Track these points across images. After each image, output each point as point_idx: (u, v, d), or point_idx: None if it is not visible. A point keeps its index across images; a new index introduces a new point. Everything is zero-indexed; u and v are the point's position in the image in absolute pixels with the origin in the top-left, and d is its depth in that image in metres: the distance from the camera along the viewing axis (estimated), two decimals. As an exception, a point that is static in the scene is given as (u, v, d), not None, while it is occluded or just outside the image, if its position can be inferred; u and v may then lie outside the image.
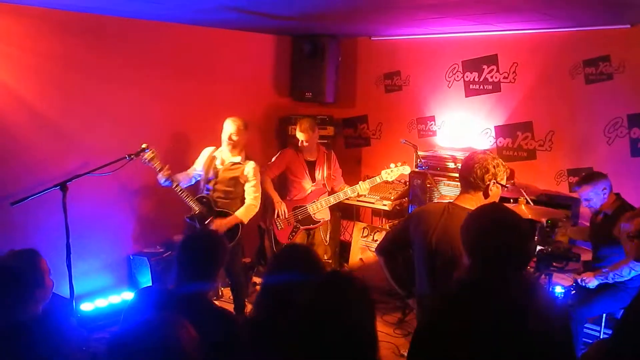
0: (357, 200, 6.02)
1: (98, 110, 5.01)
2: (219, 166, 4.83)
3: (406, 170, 5.16)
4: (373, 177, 5.22)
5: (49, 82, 4.67)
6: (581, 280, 3.99)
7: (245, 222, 4.89)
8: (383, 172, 5.13)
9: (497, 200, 2.82)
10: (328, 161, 5.39)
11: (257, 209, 4.94)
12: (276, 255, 2.68)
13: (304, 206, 5.29)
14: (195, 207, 4.74)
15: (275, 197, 5.25)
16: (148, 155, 4.54)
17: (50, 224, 4.47)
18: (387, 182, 5.37)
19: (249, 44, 6.28)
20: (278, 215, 5.23)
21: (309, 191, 5.32)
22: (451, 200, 2.86)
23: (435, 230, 2.73)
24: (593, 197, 4.15)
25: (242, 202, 4.90)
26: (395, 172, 5.12)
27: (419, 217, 2.90)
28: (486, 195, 2.75)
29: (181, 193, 4.71)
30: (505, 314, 1.91)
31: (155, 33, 5.33)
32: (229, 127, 4.77)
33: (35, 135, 4.62)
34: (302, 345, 1.75)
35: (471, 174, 2.73)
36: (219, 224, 4.73)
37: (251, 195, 4.88)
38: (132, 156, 4.51)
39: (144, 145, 4.60)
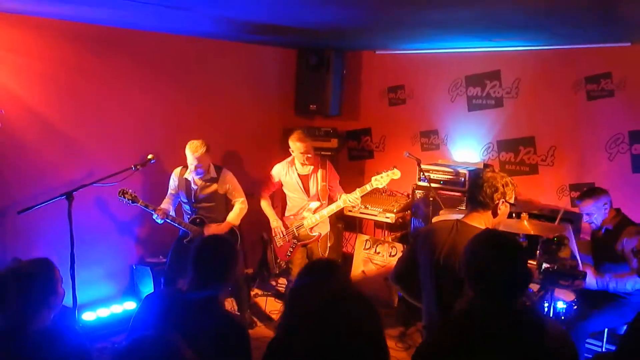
0: (360, 213, 6.04)
1: (105, 121, 5.07)
2: (194, 187, 4.87)
3: (396, 174, 4.92)
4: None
5: (57, 93, 4.73)
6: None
7: (237, 224, 5.03)
8: (372, 178, 4.94)
9: (505, 217, 2.83)
10: (323, 172, 5.16)
11: (246, 209, 5.08)
12: (300, 273, 2.54)
13: (300, 221, 5.15)
14: (193, 230, 4.82)
15: (271, 215, 5.22)
16: (128, 196, 4.59)
17: (54, 232, 4.52)
18: (378, 189, 5.15)
19: (255, 56, 6.35)
20: (275, 234, 5.19)
21: (305, 205, 5.18)
22: (459, 218, 2.85)
23: (442, 248, 2.72)
24: (594, 212, 4.17)
25: (227, 209, 5.01)
26: (385, 178, 4.91)
27: (426, 236, 2.87)
28: (495, 214, 2.74)
29: (174, 221, 4.82)
30: (509, 343, 1.94)
31: (162, 44, 5.39)
32: (191, 157, 4.69)
33: (42, 145, 4.67)
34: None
35: (480, 193, 2.72)
36: (214, 230, 4.79)
37: (239, 201, 5.02)
38: (138, 166, 4.58)
39: (150, 156, 4.66)
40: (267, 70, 6.60)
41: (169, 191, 4.99)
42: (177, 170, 4.93)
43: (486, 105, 5.79)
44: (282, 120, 6.72)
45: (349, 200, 4.95)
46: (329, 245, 5.35)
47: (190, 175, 4.86)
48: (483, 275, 2.09)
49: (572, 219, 4.74)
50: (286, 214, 5.31)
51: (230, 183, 4.97)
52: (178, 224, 4.85)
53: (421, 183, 5.65)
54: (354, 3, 3.59)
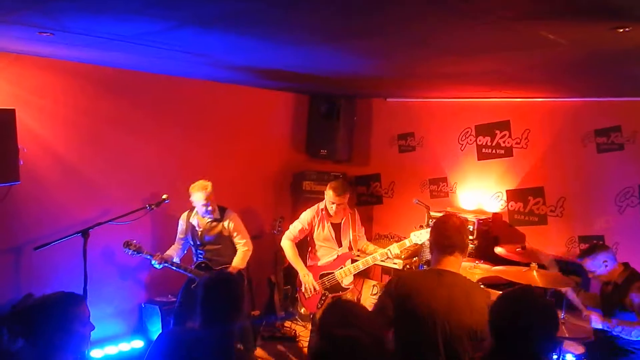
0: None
1: (121, 161, 5.16)
2: (199, 229, 4.91)
3: None
4: (402, 239, 4.85)
5: (76, 134, 4.84)
6: (585, 317, 3.97)
7: (243, 267, 4.97)
8: (412, 234, 4.70)
9: None
10: (353, 222, 4.96)
11: (250, 252, 5.02)
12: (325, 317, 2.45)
13: (331, 273, 4.85)
14: (199, 275, 4.82)
15: (301, 268, 4.86)
16: (133, 247, 4.63)
17: (67, 269, 4.56)
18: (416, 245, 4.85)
19: (268, 101, 6.49)
20: (306, 289, 4.82)
21: (336, 256, 4.90)
22: (436, 268, 2.82)
23: (437, 304, 2.66)
24: (595, 269, 4.18)
25: (234, 251, 5.00)
26: (424, 234, 4.65)
27: (406, 291, 2.79)
28: (465, 255, 2.83)
29: (179, 268, 4.85)
30: None
31: (177, 88, 5.53)
32: (200, 196, 4.74)
33: (60, 183, 4.75)
34: None
35: (459, 237, 2.79)
36: None
37: (241, 243, 5.00)
38: (152, 206, 4.66)
39: (164, 196, 4.75)
40: (279, 114, 6.73)
41: (178, 235, 5.03)
42: (184, 215, 5.00)
43: (496, 155, 5.87)
44: (293, 164, 6.81)
45: (388, 255, 4.74)
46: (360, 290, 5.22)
47: (194, 219, 4.92)
48: (523, 333, 2.10)
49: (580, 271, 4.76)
50: (318, 262, 4.93)
51: (234, 223, 4.97)
52: (183, 270, 4.85)
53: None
54: (368, 55, 3.71)
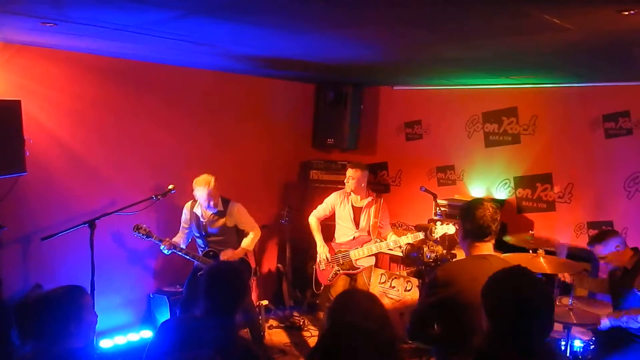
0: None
1: (127, 151, 5.18)
2: (203, 220, 4.92)
3: (450, 229, 4.80)
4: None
5: (82, 124, 4.84)
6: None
7: (252, 249, 5.08)
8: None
9: None
10: (376, 209, 5.24)
11: (259, 235, 5.15)
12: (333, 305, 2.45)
13: (347, 251, 5.21)
14: (206, 263, 4.82)
15: (319, 240, 5.32)
16: (142, 231, 4.64)
17: (75, 260, 4.59)
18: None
19: (274, 90, 6.47)
20: (320, 260, 5.26)
21: (353, 237, 5.25)
22: (479, 254, 2.79)
23: None
24: (607, 255, 4.13)
25: (238, 241, 5.02)
26: (440, 230, 4.85)
27: (457, 282, 2.68)
28: None
29: (187, 255, 4.87)
30: None
31: (183, 78, 5.53)
32: (203, 191, 4.74)
33: (66, 174, 4.77)
34: None
35: (496, 224, 2.78)
36: (230, 255, 4.84)
37: (250, 229, 5.06)
38: (158, 197, 4.66)
39: (170, 187, 4.75)
40: (286, 104, 6.71)
41: (182, 224, 5.05)
42: (188, 204, 5.00)
43: (503, 142, 5.83)
44: (300, 153, 6.80)
45: (400, 243, 5.04)
46: (372, 277, 5.51)
47: (198, 209, 4.92)
48: (508, 315, 2.06)
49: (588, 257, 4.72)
50: (336, 240, 5.36)
51: (238, 215, 4.99)
52: (190, 257, 4.88)
53: (437, 218, 5.64)
54: (376, 41, 3.68)
